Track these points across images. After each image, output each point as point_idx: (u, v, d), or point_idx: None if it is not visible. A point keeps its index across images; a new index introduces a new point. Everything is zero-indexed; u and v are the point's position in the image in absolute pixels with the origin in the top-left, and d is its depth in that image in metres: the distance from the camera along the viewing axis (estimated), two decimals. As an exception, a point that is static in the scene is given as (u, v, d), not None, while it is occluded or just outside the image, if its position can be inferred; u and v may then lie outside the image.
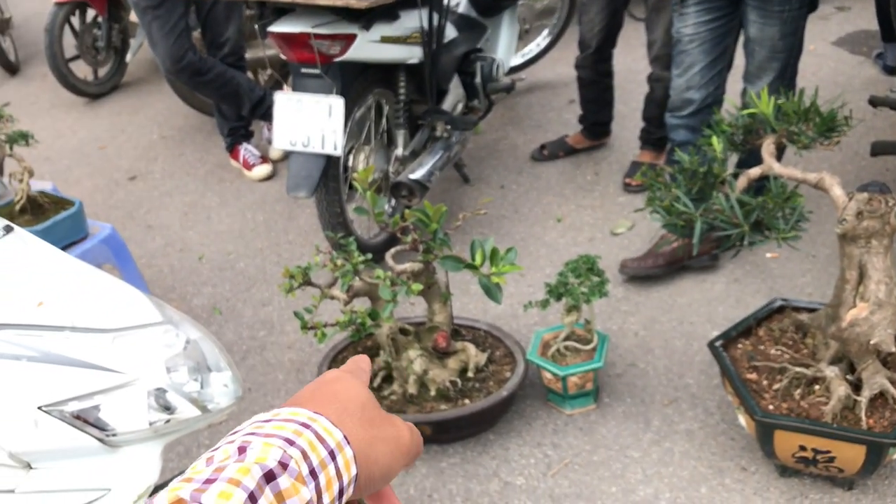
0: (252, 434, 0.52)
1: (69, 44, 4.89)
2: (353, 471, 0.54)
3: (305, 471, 0.50)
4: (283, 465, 0.49)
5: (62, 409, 1.29)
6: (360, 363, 0.67)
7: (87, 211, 3.88)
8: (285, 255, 3.39)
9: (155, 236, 3.65)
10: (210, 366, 1.51)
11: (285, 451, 0.50)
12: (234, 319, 3.05)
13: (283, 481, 0.49)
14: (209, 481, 0.47)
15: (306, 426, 0.53)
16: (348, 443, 0.54)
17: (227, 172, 4.08)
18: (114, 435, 1.34)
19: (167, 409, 1.39)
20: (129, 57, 4.94)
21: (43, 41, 4.74)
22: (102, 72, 5.15)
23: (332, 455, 0.53)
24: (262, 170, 3.96)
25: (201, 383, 1.48)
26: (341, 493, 0.53)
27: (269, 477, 0.49)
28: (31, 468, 1.31)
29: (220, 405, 1.47)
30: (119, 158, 4.38)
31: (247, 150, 4.01)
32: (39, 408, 1.28)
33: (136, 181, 4.14)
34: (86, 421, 1.31)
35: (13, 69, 5.72)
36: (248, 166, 3.99)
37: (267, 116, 3.82)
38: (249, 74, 4.11)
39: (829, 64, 4.43)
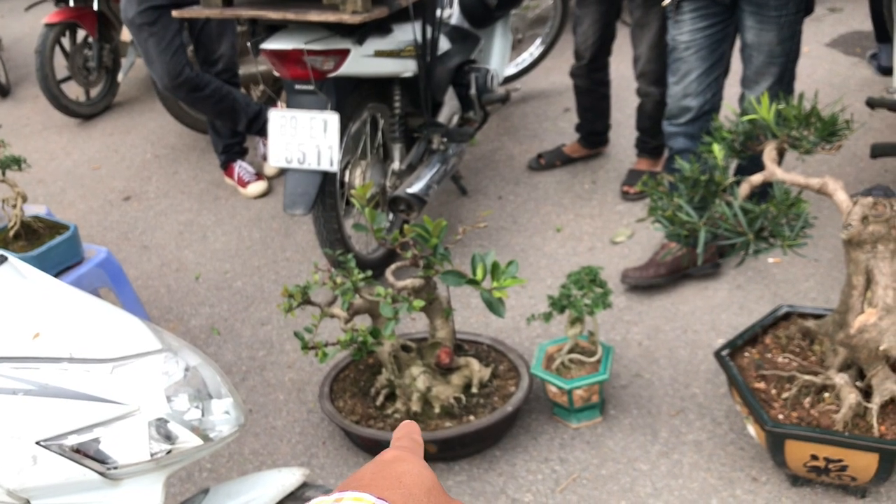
0: None
1: (60, 65, 4.87)
2: None
3: None
4: None
5: (61, 443, 1.26)
6: (412, 434, 0.64)
7: (82, 233, 3.86)
8: (283, 272, 3.36)
9: (151, 257, 3.62)
10: (211, 392, 1.48)
11: None
12: (233, 339, 3.01)
13: None
14: None
15: None
16: None
17: (222, 190, 4.05)
18: (115, 468, 1.31)
19: (168, 438, 1.35)
20: (120, 76, 4.91)
21: (34, 63, 4.71)
22: (94, 92, 5.12)
23: None
24: (258, 187, 3.93)
25: (203, 411, 1.44)
26: None
27: None
28: (30, 505, 1.28)
29: (222, 433, 1.44)
30: (113, 179, 4.35)
31: (241, 167, 3.99)
32: (38, 443, 1.25)
33: (131, 201, 4.11)
34: (86, 454, 1.27)
35: (4, 91, 5.69)
36: (244, 183, 3.96)
37: (263, 132, 3.79)
38: (243, 90, 4.08)
39: (823, 66, 4.42)
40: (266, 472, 1.66)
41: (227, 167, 4.04)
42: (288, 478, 1.64)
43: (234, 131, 3.91)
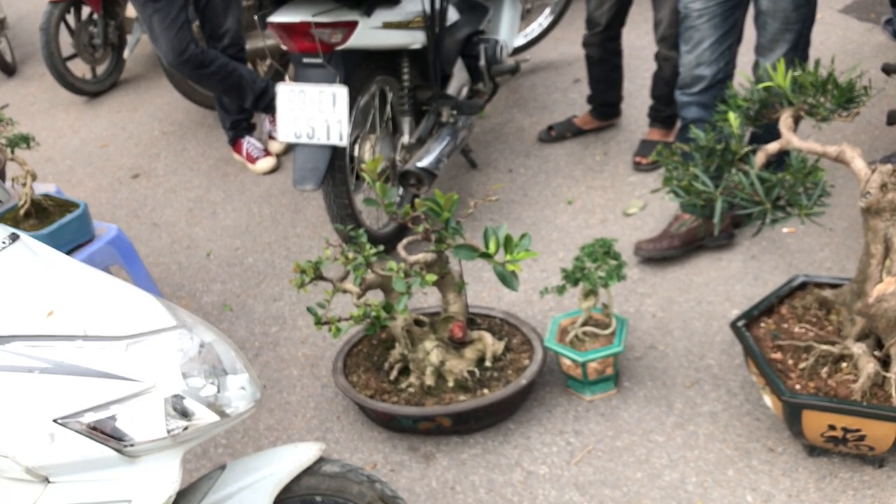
0: None
1: (66, 42, 4.84)
2: None
3: None
4: None
5: (78, 420, 1.26)
6: None
7: (92, 211, 3.84)
8: (294, 248, 3.35)
9: (161, 234, 3.61)
10: (226, 369, 1.47)
11: None
12: (246, 316, 3.01)
13: None
14: None
15: None
16: None
17: (231, 167, 4.03)
18: (132, 445, 1.30)
19: (185, 415, 1.35)
20: (126, 53, 4.87)
21: (39, 41, 4.68)
22: (100, 69, 5.09)
23: None
24: (266, 163, 3.91)
25: (218, 387, 1.44)
26: None
27: None
28: (48, 482, 1.27)
29: (239, 409, 1.44)
30: (121, 157, 4.34)
31: (249, 143, 3.96)
32: (55, 420, 1.24)
33: (140, 179, 4.09)
34: (102, 432, 1.27)
35: (10, 70, 5.66)
36: (252, 160, 3.94)
37: (270, 108, 3.77)
38: (249, 65, 4.05)
39: (837, 32, 4.35)
40: (282, 447, 1.66)
41: (235, 143, 4.02)
42: (305, 452, 1.64)
43: (241, 107, 3.89)
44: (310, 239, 3.38)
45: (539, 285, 2.88)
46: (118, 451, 1.28)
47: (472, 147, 3.69)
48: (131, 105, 4.92)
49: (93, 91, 5.03)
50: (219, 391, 1.44)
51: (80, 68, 5.01)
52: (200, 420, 1.36)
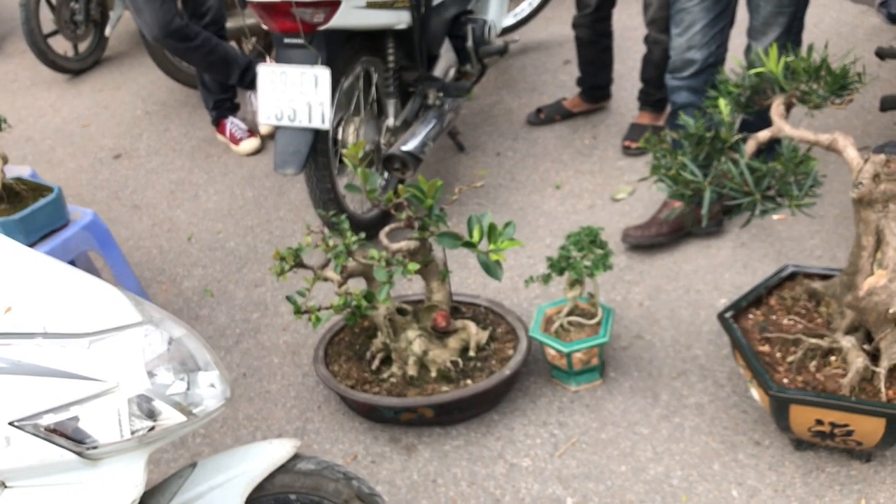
0: None
1: (47, 18, 4.73)
2: None
3: None
4: None
5: (36, 422, 1.20)
6: None
7: (72, 192, 3.79)
8: (276, 232, 3.29)
9: (142, 216, 3.55)
10: (197, 365, 1.42)
11: None
12: (227, 302, 2.96)
13: None
14: None
15: None
16: None
17: (214, 148, 3.96)
18: (94, 447, 1.25)
19: (151, 415, 1.30)
20: (108, 30, 4.77)
21: (19, 16, 4.58)
22: (83, 47, 4.99)
23: None
24: (250, 144, 3.84)
25: (188, 383, 1.39)
26: None
27: None
28: (5, 487, 1.22)
29: (208, 408, 1.38)
30: (103, 137, 4.26)
31: (233, 123, 3.89)
32: (11, 423, 1.19)
33: (121, 159, 4.02)
34: (63, 434, 1.22)
35: (-9, 46, 5.56)
36: (236, 141, 3.87)
37: (254, 84, 3.69)
38: (234, 44, 3.97)
39: (830, 14, 4.29)
40: (256, 443, 1.61)
41: (218, 123, 3.94)
42: (278, 449, 1.59)
43: (224, 86, 3.81)
44: (293, 223, 3.32)
45: (525, 272, 2.84)
46: (79, 453, 1.23)
47: (459, 129, 3.63)
48: (114, 83, 4.83)
49: (75, 69, 4.93)
50: (189, 388, 1.39)
51: (61, 45, 4.91)
52: (167, 420, 1.31)
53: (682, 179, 1.87)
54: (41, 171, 4.03)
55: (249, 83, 3.70)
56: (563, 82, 4.04)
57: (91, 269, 2.80)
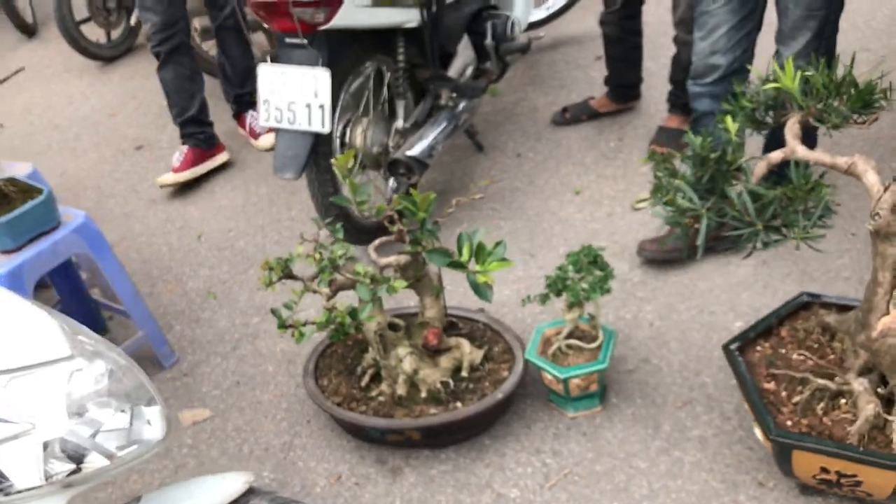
0: None
1: (80, 5, 4.73)
2: None
3: None
4: None
5: (-55, 466, 1.15)
6: None
7: (91, 184, 3.78)
8: (286, 233, 3.22)
9: (157, 211, 3.52)
10: (135, 399, 1.35)
11: None
12: (229, 304, 2.90)
13: None
14: None
15: None
16: None
17: (235, 142, 3.90)
18: (13, 491, 1.19)
19: (73, 458, 1.23)
20: (134, 18, 4.75)
21: (51, 3, 4.59)
22: (115, 34, 4.99)
23: None
24: (269, 139, 3.76)
25: (131, 418, 1.32)
26: None
27: None
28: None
29: (142, 446, 1.31)
30: (128, 126, 4.24)
31: (253, 117, 3.83)
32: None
33: (143, 151, 4.00)
34: (-24, 478, 1.16)
35: (31, 31, 5.61)
36: (255, 135, 3.81)
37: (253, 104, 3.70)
38: (253, 36, 3.90)
39: (885, 8, 4.02)
40: (207, 477, 1.54)
41: (238, 117, 3.90)
42: (231, 484, 1.52)
43: (243, 81, 3.75)
44: (303, 223, 3.24)
45: (533, 284, 2.71)
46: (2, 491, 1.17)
47: (479, 128, 3.50)
48: (144, 72, 4.81)
49: (107, 56, 4.94)
50: (132, 423, 1.32)
51: (94, 32, 4.91)
52: (91, 464, 1.24)
53: (678, 205, 1.73)
54: (64, 160, 4.04)
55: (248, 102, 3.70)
56: (594, 79, 3.86)
57: (92, 270, 2.77)
